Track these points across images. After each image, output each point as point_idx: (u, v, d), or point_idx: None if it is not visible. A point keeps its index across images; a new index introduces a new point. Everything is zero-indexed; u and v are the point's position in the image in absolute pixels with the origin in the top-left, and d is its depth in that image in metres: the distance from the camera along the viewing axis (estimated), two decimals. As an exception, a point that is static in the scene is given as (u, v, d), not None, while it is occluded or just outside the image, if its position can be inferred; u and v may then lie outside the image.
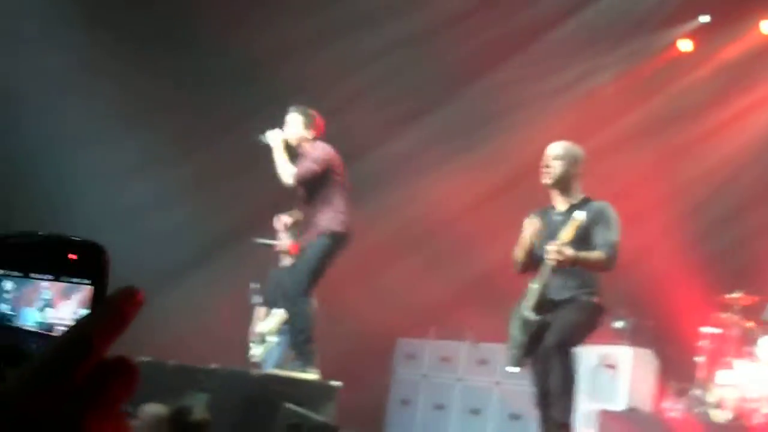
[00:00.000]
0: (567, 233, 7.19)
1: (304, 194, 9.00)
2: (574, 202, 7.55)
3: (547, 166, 7.58)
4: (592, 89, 13.71)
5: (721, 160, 12.56)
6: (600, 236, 7.36)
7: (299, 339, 8.91)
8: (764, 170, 11.93)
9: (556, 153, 7.62)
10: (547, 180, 7.59)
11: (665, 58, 13.80)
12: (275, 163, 8.89)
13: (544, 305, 7.41)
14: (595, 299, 7.46)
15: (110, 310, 1.08)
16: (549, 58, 13.49)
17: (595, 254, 7.28)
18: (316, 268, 8.83)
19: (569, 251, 7.13)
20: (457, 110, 13.66)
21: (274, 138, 8.92)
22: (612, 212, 7.49)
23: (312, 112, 9.13)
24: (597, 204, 7.54)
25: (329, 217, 8.77)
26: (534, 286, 7.43)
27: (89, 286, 1.17)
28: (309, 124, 9.03)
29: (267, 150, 9.07)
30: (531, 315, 7.39)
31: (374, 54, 12.92)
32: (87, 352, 1.04)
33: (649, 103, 13.34)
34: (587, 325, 7.52)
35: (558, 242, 7.16)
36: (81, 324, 1.08)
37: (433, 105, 13.64)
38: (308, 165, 8.82)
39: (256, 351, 10.60)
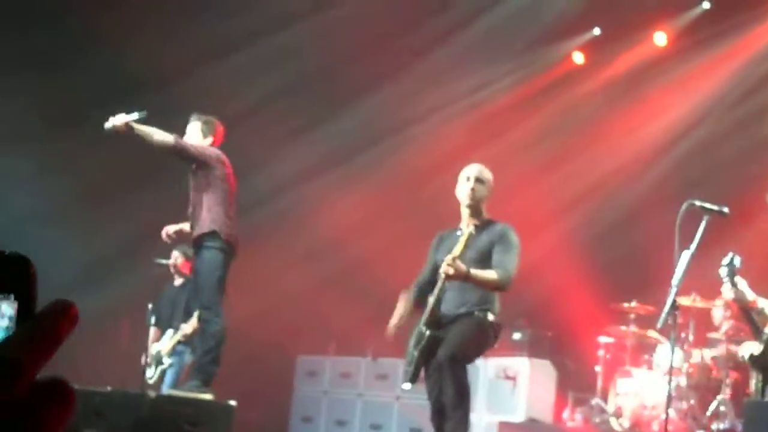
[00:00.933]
0: (458, 247, 7.21)
1: (198, 194, 8.78)
2: (478, 223, 7.55)
3: (472, 189, 7.55)
4: (487, 102, 13.76)
5: (615, 170, 12.70)
6: (497, 257, 7.37)
7: (205, 359, 8.73)
8: (656, 180, 12.07)
9: (480, 176, 7.61)
10: (469, 201, 7.57)
11: (559, 71, 13.90)
12: (142, 137, 8.43)
13: (439, 320, 7.40)
14: (490, 316, 7.45)
15: (41, 328, 0.97)
16: (444, 72, 13.52)
17: (489, 273, 7.29)
18: (218, 283, 8.66)
19: (461, 265, 7.14)
20: (357, 124, 13.63)
21: (119, 120, 8.43)
22: (513, 236, 7.51)
23: (213, 119, 8.98)
24: (500, 226, 7.55)
25: (218, 221, 8.59)
26: (430, 300, 7.42)
27: (13, 302, 1.06)
28: (208, 131, 8.88)
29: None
30: (424, 329, 7.38)
31: (268, 68, 12.84)
32: (16, 376, 0.94)
33: (543, 115, 13.45)
34: (480, 340, 7.51)
35: (450, 256, 7.16)
36: (7, 345, 0.97)
37: (332, 119, 13.58)
38: (194, 147, 8.61)
39: (150, 372, 10.45)
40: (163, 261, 10.79)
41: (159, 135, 8.35)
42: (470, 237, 7.28)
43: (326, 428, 13.62)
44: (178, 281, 11.19)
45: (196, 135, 8.84)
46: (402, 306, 7.57)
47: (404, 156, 13.25)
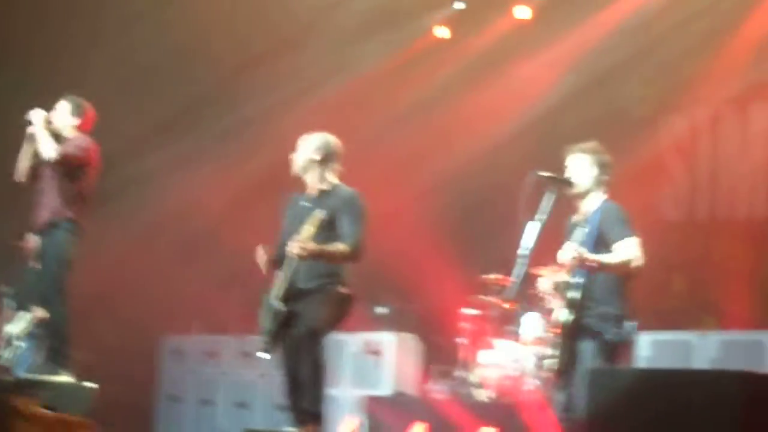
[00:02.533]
0: (308, 230, 7.19)
1: (51, 179, 8.64)
2: (324, 188, 7.53)
3: (292, 159, 7.59)
4: (351, 80, 13.70)
5: (477, 145, 12.76)
6: (345, 226, 7.37)
7: (53, 341, 8.59)
8: (520, 154, 12.16)
9: (301, 144, 7.63)
10: (292, 169, 7.59)
11: (422, 46, 13.89)
12: (37, 140, 8.52)
13: (291, 294, 7.37)
14: (343, 289, 7.45)
15: None
16: (306, 50, 13.45)
17: (339, 247, 7.30)
18: (62, 263, 8.54)
19: (311, 246, 7.13)
20: (210, 106, 13.49)
21: (37, 116, 8.58)
22: (359, 202, 7.50)
23: (83, 102, 8.86)
24: (345, 192, 7.54)
25: (67, 208, 8.49)
26: (281, 275, 7.38)
27: None
28: (77, 113, 8.77)
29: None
30: (277, 304, 7.34)
31: (129, 57, 12.68)
32: None
33: (406, 92, 13.43)
34: (336, 315, 7.52)
35: (299, 238, 7.15)
36: None
37: (191, 100, 13.41)
38: (74, 149, 8.54)
39: (4, 354, 10.19)
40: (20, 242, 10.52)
41: (46, 146, 8.44)
42: (321, 222, 7.26)
43: (192, 407, 13.50)
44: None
45: (64, 114, 8.73)
46: (263, 263, 7.53)
47: (263, 138, 13.13)
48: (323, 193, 7.51)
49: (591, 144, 6.81)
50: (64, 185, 8.55)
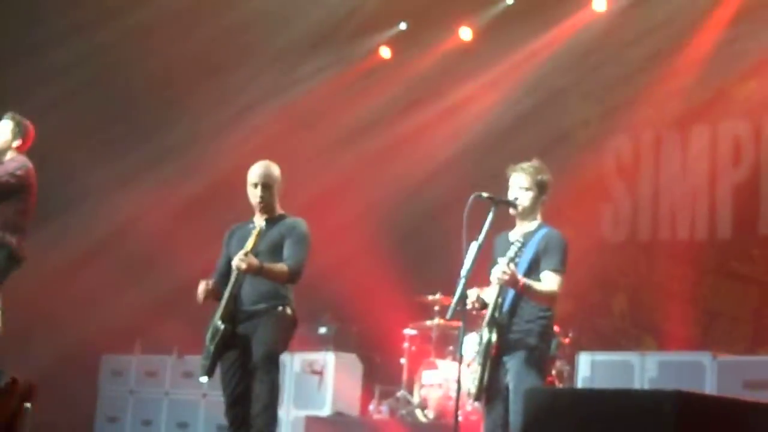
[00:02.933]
0: (251, 241, 7.18)
1: None
2: (270, 218, 7.49)
3: (261, 197, 7.46)
4: (293, 98, 13.68)
5: (419, 166, 12.80)
6: (288, 251, 7.36)
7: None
8: (458, 174, 12.21)
9: (266, 181, 7.50)
10: (260, 209, 7.50)
11: (366, 66, 13.92)
12: None
13: (237, 315, 7.34)
14: (289, 310, 7.42)
15: None
16: (246, 69, 13.40)
17: (279, 266, 7.28)
18: None
19: (253, 260, 7.11)
20: (153, 124, 13.38)
21: None
22: (303, 228, 7.49)
23: (26, 122, 8.69)
24: (291, 220, 7.52)
25: (7, 235, 8.34)
26: (224, 294, 7.34)
27: None
28: (19, 133, 8.60)
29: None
30: (219, 324, 7.30)
31: (69, 67, 12.56)
32: None
33: (348, 112, 13.44)
34: (286, 336, 7.51)
35: (243, 251, 7.12)
36: None
37: (130, 119, 13.31)
38: (6, 175, 8.38)
39: None
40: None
41: None
42: (261, 231, 7.26)
43: (132, 428, 13.36)
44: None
45: (5, 135, 8.57)
46: (202, 293, 7.46)
47: (206, 156, 13.08)
48: (268, 222, 7.46)
49: (531, 163, 6.82)
50: (9, 211, 8.39)
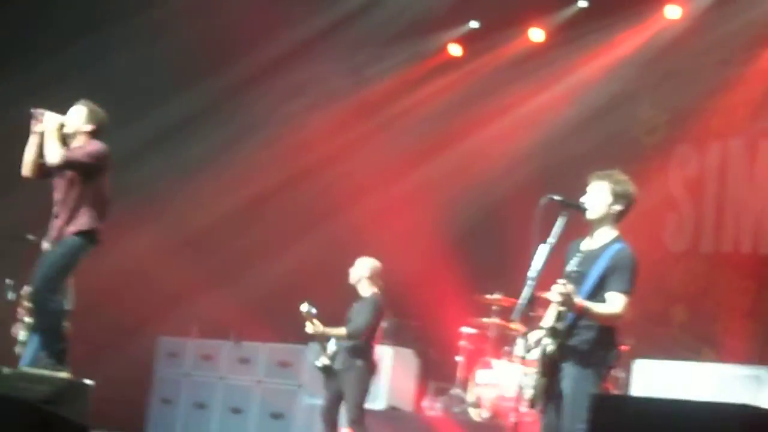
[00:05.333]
0: None
1: (64, 186, 8.63)
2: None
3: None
4: (363, 93, 13.73)
5: (485, 163, 12.78)
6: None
7: (48, 337, 8.58)
8: (525, 173, 12.18)
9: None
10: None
11: (435, 63, 13.93)
12: (45, 143, 8.49)
13: None
14: None
15: None
16: (318, 62, 13.46)
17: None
18: (65, 266, 8.50)
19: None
20: (240, 114, 13.51)
21: (50, 119, 8.53)
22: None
23: (99, 109, 8.82)
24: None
25: (86, 218, 8.46)
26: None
27: None
28: (92, 119, 8.72)
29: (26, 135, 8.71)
30: None
31: (138, 66, 12.73)
32: None
33: (418, 108, 13.47)
34: None
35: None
36: None
37: (214, 111, 13.45)
38: (81, 155, 8.51)
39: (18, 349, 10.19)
40: (32, 237, 10.41)
41: (52, 150, 8.39)
42: None
43: (185, 410, 13.49)
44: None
45: (78, 118, 8.68)
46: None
47: (282, 147, 13.17)
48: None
49: (611, 171, 6.72)
50: (81, 193, 8.50)
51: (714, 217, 12.13)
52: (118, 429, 11.16)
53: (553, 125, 12.66)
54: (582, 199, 6.64)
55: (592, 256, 6.57)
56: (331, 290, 10.65)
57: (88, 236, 8.47)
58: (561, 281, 6.33)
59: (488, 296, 11.11)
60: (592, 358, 6.49)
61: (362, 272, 10.16)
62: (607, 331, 6.57)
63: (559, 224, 6.44)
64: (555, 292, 6.29)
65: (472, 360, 11.14)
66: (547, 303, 6.78)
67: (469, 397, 10.85)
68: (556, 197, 6.46)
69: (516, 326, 10.38)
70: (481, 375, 10.81)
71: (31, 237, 10.01)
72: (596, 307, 6.40)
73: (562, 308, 6.44)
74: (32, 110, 8.60)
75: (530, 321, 6.64)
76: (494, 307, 11.13)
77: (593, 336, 6.51)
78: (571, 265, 6.44)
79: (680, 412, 5.17)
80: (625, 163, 9.96)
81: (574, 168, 11.18)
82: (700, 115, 12.18)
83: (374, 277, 10.21)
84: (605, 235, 6.63)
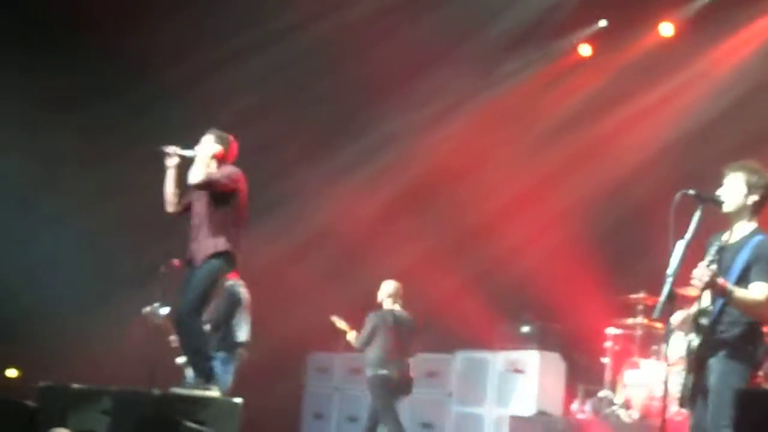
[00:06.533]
0: None
1: (202, 210, 8.85)
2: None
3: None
4: (493, 98, 13.73)
5: (621, 164, 12.65)
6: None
7: (196, 358, 8.80)
8: (664, 170, 12.02)
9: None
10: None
11: (565, 64, 13.86)
12: (192, 167, 8.75)
13: None
14: None
15: None
16: (447, 69, 13.52)
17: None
18: (206, 289, 8.72)
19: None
20: (357, 125, 13.65)
21: (174, 151, 8.82)
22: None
23: (227, 135, 9.06)
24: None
25: (223, 240, 8.67)
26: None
27: None
28: (220, 142, 8.96)
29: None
30: None
31: (278, 72, 12.93)
32: None
33: (548, 110, 13.41)
34: None
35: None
36: None
37: (335, 123, 13.62)
38: (220, 176, 8.74)
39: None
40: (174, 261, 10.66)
41: (196, 170, 8.68)
42: None
43: (338, 424, 13.64)
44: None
45: (208, 147, 8.91)
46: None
47: (409, 155, 13.26)
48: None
49: (746, 162, 6.63)
50: (217, 217, 8.72)
51: None
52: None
53: (689, 121, 12.47)
54: (717, 192, 6.57)
55: (732, 250, 6.51)
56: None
57: (225, 258, 8.67)
58: (704, 263, 6.28)
59: (632, 296, 11.01)
60: (739, 353, 6.41)
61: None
62: (753, 326, 6.48)
63: (696, 219, 6.38)
64: (701, 276, 6.23)
65: (619, 361, 11.03)
66: (687, 299, 6.72)
67: (618, 398, 10.74)
68: (691, 192, 6.39)
69: (659, 325, 10.27)
70: (629, 376, 10.70)
71: (173, 262, 10.28)
72: (739, 291, 6.32)
73: (705, 290, 6.38)
74: (162, 148, 8.88)
75: (670, 319, 6.55)
76: (639, 307, 11.02)
77: (740, 331, 6.43)
78: (710, 254, 6.39)
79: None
80: (763, 156, 9.79)
81: (713, 163, 11.03)
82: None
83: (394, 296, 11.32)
84: (744, 228, 6.56)
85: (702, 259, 6.45)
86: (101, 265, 12.80)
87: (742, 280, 6.40)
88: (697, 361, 6.47)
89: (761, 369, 6.83)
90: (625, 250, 12.28)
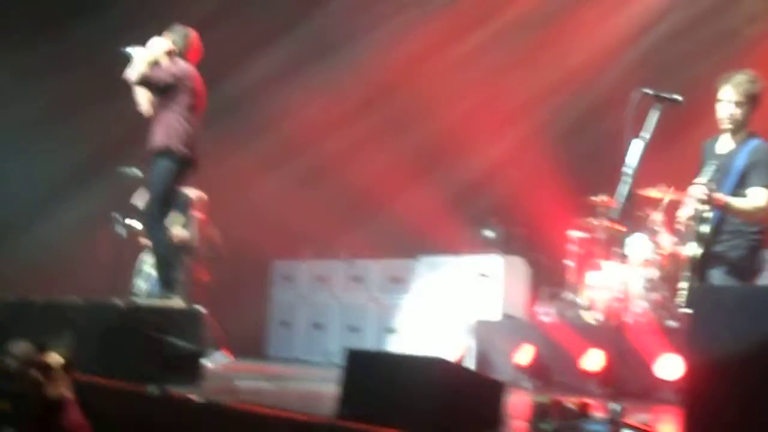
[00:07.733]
0: None
1: (157, 109, 8.75)
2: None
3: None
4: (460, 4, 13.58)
5: (582, 63, 12.54)
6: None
7: (161, 267, 8.76)
8: (624, 71, 11.95)
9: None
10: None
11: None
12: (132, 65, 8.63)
13: None
14: None
15: None
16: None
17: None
18: (160, 192, 8.64)
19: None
20: (320, 29, 13.48)
21: (136, 52, 8.67)
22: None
23: (186, 31, 8.91)
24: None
25: (168, 136, 8.55)
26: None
27: None
28: (179, 43, 8.81)
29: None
30: None
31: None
32: None
33: (506, 10, 13.23)
34: None
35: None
36: None
37: (295, 25, 13.45)
38: (159, 72, 8.61)
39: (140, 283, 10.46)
40: (128, 170, 10.52)
41: (134, 69, 8.55)
42: None
43: (304, 331, 13.69)
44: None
45: (162, 43, 8.78)
46: None
47: (372, 59, 13.12)
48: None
49: (743, 73, 6.62)
50: (166, 114, 8.62)
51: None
52: (240, 353, 11.40)
53: (654, 18, 12.36)
54: (718, 108, 6.57)
55: (728, 157, 6.54)
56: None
57: (171, 157, 8.55)
58: (699, 181, 6.32)
59: (594, 198, 11.02)
60: (739, 270, 6.46)
61: None
62: (753, 236, 6.53)
63: (652, 118, 6.35)
64: (697, 193, 6.28)
65: (582, 263, 11.08)
66: (649, 200, 6.75)
67: (582, 300, 10.81)
68: (648, 90, 6.37)
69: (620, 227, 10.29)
70: (591, 277, 10.77)
71: (127, 171, 10.18)
72: (738, 202, 6.37)
73: (702, 206, 6.43)
74: (123, 49, 8.73)
75: (633, 220, 6.59)
76: (601, 209, 11.04)
77: (739, 242, 6.48)
78: (708, 173, 6.42)
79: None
80: (727, 56, 9.72)
81: (679, 62, 10.96)
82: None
83: None
84: (738, 135, 6.60)
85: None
86: (66, 173, 12.69)
87: (740, 186, 6.45)
88: (699, 271, 6.52)
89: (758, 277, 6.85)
90: (586, 151, 12.26)
